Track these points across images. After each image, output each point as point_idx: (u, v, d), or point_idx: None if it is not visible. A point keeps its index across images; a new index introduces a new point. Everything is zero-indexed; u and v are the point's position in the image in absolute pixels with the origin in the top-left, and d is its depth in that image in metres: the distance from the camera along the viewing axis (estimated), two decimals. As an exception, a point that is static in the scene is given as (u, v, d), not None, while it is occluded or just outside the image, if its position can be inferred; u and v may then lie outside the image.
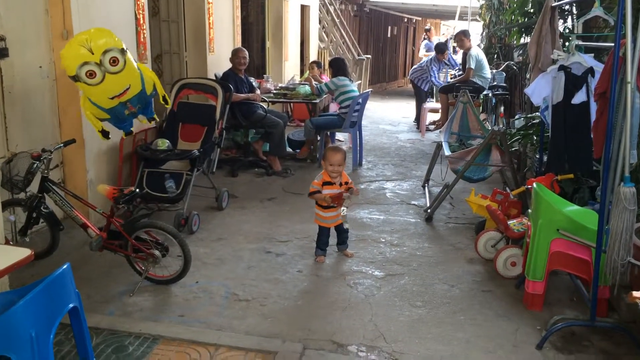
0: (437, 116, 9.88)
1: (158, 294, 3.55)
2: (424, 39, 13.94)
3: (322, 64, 8.79)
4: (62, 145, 3.64)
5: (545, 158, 4.39)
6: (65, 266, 2.36)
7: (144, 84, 3.84)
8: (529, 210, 4.19)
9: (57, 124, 4.37)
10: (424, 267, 4.11)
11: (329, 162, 4.09)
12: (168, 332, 2.97)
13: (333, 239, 4.30)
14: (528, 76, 7.69)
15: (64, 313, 2.35)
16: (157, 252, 3.53)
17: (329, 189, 4.10)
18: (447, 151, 5.41)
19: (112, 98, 3.69)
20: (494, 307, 3.50)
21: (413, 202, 5.70)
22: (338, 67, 7.09)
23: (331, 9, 12.84)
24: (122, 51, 3.60)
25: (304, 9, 11.24)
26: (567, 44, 3.89)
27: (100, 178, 4.58)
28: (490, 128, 6.82)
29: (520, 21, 6.22)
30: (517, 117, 7.67)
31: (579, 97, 3.77)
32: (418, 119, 9.97)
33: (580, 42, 3.85)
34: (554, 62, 4.01)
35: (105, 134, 3.85)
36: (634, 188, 2.80)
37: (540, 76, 3.95)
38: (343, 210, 4.11)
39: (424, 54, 12.61)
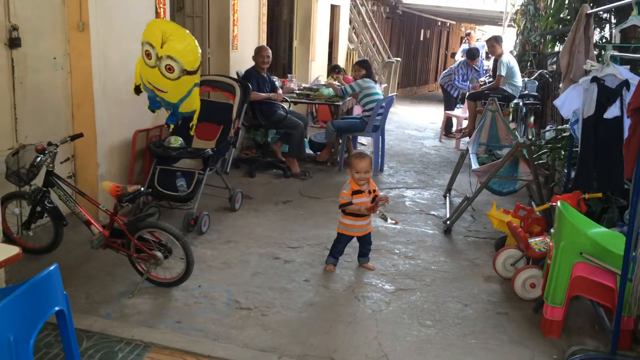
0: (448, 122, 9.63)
1: (158, 297, 3.44)
2: (464, 42, 13.61)
3: (343, 69, 8.60)
4: (68, 139, 3.57)
5: (573, 174, 4.15)
6: (52, 267, 2.25)
7: (181, 103, 3.98)
8: (552, 231, 3.96)
9: (70, 118, 4.31)
10: (438, 283, 3.91)
11: (355, 169, 3.91)
12: (161, 340, 2.85)
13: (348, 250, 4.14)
14: (561, 86, 7.41)
15: (47, 316, 2.25)
16: (159, 254, 3.42)
17: (359, 198, 3.91)
18: (474, 164, 5.19)
19: (151, 83, 3.83)
20: (508, 332, 3.29)
21: (432, 213, 5.49)
22: (367, 67, 6.91)
23: (362, 9, 12.65)
24: (184, 71, 3.73)
25: (334, 8, 11.08)
26: (602, 53, 3.65)
27: (111, 173, 4.51)
28: (520, 138, 6.58)
29: (555, 28, 5.96)
30: (547, 128, 7.39)
31: (612, 112, 3.53)
32: (442, 123, 9.72)
33: (616, 53, 3.61)
34: (586, 73, 3.78)
35: (137, 89, 4.02)
36: (666, 213, 2.57)
37: (571, 87, 3.71)
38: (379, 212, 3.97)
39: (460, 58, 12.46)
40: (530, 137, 7.14)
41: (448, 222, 4.99)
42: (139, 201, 4.56)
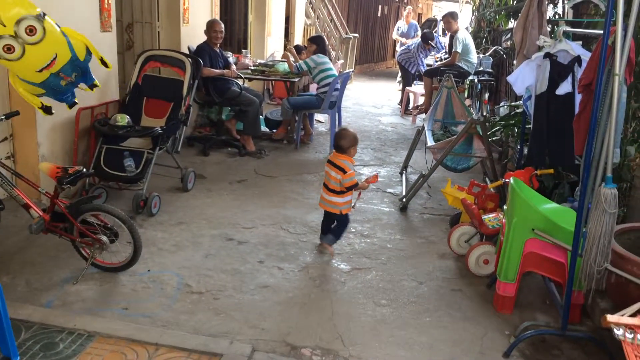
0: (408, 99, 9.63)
1: (104, 283, 3.30)
2: (401, 19, 12.81)
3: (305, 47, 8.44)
4: (3, 117, 3.34)
5: (525, 150, 4.18)
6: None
7: (74, 49, 3.30)
8: (504, 206, 3.98)
9: (7, 94, 4.05)
10: (393, 261, 3.90)
11: (356, 147, 3.83)
12: (106, 329, 2.73)
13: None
14: (515, 62, 7.47)
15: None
16: (104, 238, 3.27)
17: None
18: (430, 140, 5.17)
19: (41, 70, 3.18)
20: (462, 309, 3.30)
21: (389, 190, 5.47)
22: (320, 44, 6.78)
23: (319, -16, 12.43)
24: (39, 17, 3.05)
25: (290, -18, 10.85)
26: (555, 29, 3.64)
27: (54, 153, 4.29)
28: (475, 114, 6.61)
29: (509, 4, 5.95)
30: (501, 104, 7.46)
31: (563, 88, 3.54)
32: (402, 100, 9.71)
33: (569, 29, 3.61)
34: (539, 48, 3.77)
35: (46, 109, 3.40)
36: (615, 189, 2.58)
37: (525, 63, 3.71)
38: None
39: (397, 37, 12.26)
40: (484, 113, 7.21)
41: (404, 200, 4.98)
42: (84, 182, 4.36)
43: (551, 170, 3.69)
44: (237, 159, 6.14)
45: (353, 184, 3.73)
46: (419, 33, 11.25)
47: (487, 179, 5.68)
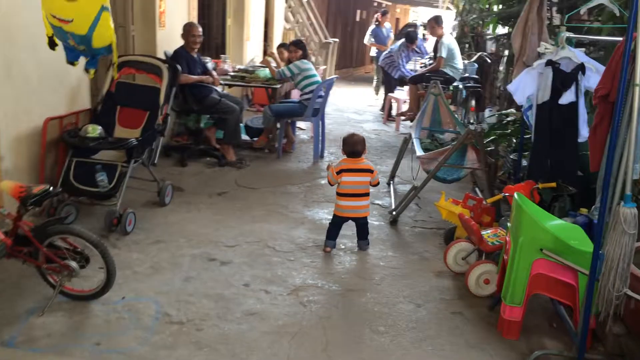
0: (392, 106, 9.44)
1: (74, 314, 2.98)
2: (375, 24, 11.39)
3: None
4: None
5: (524, 163, 3.99)
6: None
7: (92, 33, 3.30)
8: (509, 224, 3.78)
9: (-35, 103, 3.70)
10: (388, 281, 3.66)
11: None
12: (75, 370, 2.42)
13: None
14: (501, 68, 7.34)
15: None
16: (73, 264, 2.96)
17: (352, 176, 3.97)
18: (418, 150, 4.96)
19: (54, 17, 3.20)
20: (464, 334, 3.07)
21: (377, 202, 5.23)
22: (304, 48, 6.53)
23: (298, -13, 12.20)
24: None
25: (269, -14, 10.58)
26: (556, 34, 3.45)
27: (19, 168, 3.94)
28: (462, 121, 6.43)
29: (492, 10, 5.79)
30: (487, 112, 7.32)
31: (567, 97, 3.36)
32: (385, 107, 9.52)
33: (572, 35, 3.42)
34: (540, 56, 3.58)
35: (52, 42, 3.34)
36: (635, 209, 2.39)
37: (525, 71, 3.51)
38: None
39: (370, 43, 11.33)
40: (471, 121, 7.05)
41: (394, 213, 4.75)
42: (60, 191, 4.02)
43: (553, 184, 3.50)
44: (217, 170, 5.85)
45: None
46: (392, 36, 11.03)
47: (477, 189, 5.52)
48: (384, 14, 11.55)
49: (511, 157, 4.94)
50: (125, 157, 4.16)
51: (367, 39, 11.33)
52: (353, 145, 3.91)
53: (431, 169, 4.79)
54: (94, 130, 3.97)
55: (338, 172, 3.92)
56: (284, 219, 4.63)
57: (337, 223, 4.03)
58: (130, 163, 4.11)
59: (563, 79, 3.36)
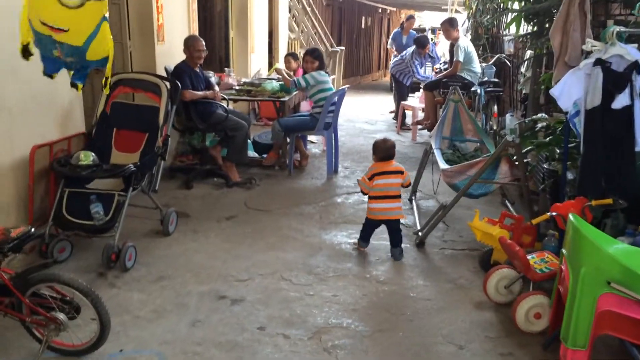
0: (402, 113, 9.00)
1: (63, 374, 2.58)
2: (399, 28, 11.10)
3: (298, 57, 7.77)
4: None
5: (570, 176, 3.55)
6: None
7: (89, 45, 2.98)
8: (554, 244, 3.35)
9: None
10: (421, 316, 3.22)
11: None
12: None
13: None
14: (522, 70, 6.89)
15: None
16: (61, 316, 2.55)
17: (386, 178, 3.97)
18: (441, 162, 4.53)
19: (44, 24, 2.86)
20: (519, 382, 2.63)
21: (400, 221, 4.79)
22: (322, 58, 6.11)
23: (302, -4, 11.85)
24: None
25: (272, -5, 10.24)
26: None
27: (4, 204, 3.54)
28: (483, 128, 5.99)
29: (517, 6, 5.36)
30: (509, 116, 6.87)
31: (620, 101, 2.93)
32: (398, 116, 9.10)
33: (623, 29, 2.99)
34: (585, 54, 3.16)
35: (26, 51, 2.97)
36: None
37: (570, 73, 3.08)
38: None
39: (390, 48, 10.96)
40: (494, 127, 6.61)
41: (420, 234, 4.31)
42: (44, 233, 3.64)
43: (610, 200, 3.05)
44: (225, 191, 5.45)
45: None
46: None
47: (507, 202, 5.08)
48: (408, 19, 10.81)
49: (545, 166, 4.50)
50: (123, 185, 3.76)
51: (390, 42, 10.88)
52: (387, 150, 4.01)
53: (455, 182, 4.36)
54: (87, 158, 3.58)
55: (370, 178, 3.95)
56: (299, 245, 4.21)
57: (370, 226, 4.06)
58: (129, 191, 3.71)
59: (615, 79, 2.93)
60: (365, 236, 4.09)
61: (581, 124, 3.07)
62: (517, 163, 3.76)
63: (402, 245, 4.24)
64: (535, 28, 4.98)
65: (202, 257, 3.91)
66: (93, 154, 3.63)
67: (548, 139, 3.92)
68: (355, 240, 4.26)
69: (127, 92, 4.31)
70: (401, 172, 4.01)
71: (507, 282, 3.30)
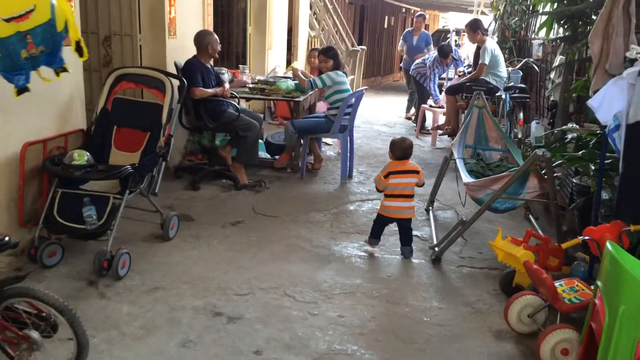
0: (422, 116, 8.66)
1: (35, 398, 2.34)
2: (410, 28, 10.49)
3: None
4: None
5: (605, 195, 3.22)
6: None
7: (54, 13, 2.70)
8: (598, 282, 3.01)
9: None
10: (434, 345, 2.93)
11: None
12: None
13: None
14: (551, 76, 6.53)
15: None
16: (34, 335, 2.31)
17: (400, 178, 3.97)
18: (464, 174, 4.22)
19: (9, 20, 2.52)
20: None
21: (415, 233, 4.49)
22: (335, 58, 5.84)
23: (324, -7, 11.56)
24: None
25: (292, -9, 9.98)
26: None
27: (-5, 201, 3.34)
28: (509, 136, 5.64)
29: (549, 8, 5.01)
30: (534, 123, 6.52)
31: (668, 115, 2.59)
32: (418, 119, 8.78)
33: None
34: (629, 62, 2.83)
35: None
36: None
37: (611, 82, 2.75)
38: None
39: (400, 49, 10.34)
40: (519, 135, 6.27)
41: (437, 249, 4.01)
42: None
43: (651, 226, 2.72)
44: (233, 194, 5.20)
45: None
46: (431, 47, 9.93)
47: (531, 216, 4.75)
48: (418, 17, 10.25)
49: (574, 180, 4.16)
50: (120, 186, 3.53)
51: (400, 43, 10.45)
52: (405, 150, 4.01)
53: (480, 197, 4.05)
54: (81, 157, 3.35)
55: (386, 176, 3.94)
56: (307, 256, 3.94)
57: (381, 222, 4.04)
58: (125, 194, 3.47)
59: (663, 91, 2.60)
60: (376, 233, 4.05)
61: (621, 139, 2.74)
62: (546, 178, 3.43)
63: (417, 261, 3.97)
64: (568, 32, 4.64)
65: (202, 266, 3.66)
66: (88, 153, 3.40)
67: (581, 152, 3.58)
68: (366, 251, 4.00)
69: (131, 87, 4.08)
70: (417, 172, 4.02)
71: (532, 311, 2.99)
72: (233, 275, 3.56)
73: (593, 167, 3.45)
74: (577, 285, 2.90)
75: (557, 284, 2.91)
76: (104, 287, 3.29)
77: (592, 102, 2.80)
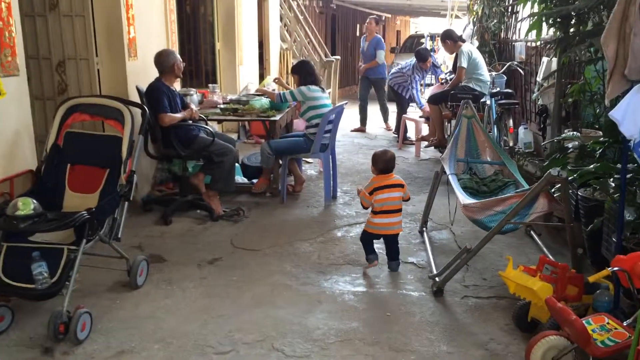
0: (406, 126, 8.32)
1: None
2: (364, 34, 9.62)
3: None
4: None
5: (628, 216, 2.87)
6: None
7: None
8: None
9: None
10: (450, 403, 2.53)
11: None
12: None
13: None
14: (538, 80, 6.23)
15: None
16: None
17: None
18: (461, 194, 3.85)
19: None
20: None
21: (410, 260, 4.12)
22: (307, 72, 5.46)
23: (294, 4, 11.22)
24: None
25: (261, 3, 9.59)
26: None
27: None
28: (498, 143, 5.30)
29: (539, 9, 4.69)
30: (522, 128, 6.22)
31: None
32: (399, 130, 8.43)
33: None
34: (650, 65, 2.48)
35: None
36: None
37: (635, 91, 2.40)
38: None
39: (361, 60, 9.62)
40: (510, 144, 5.95)
41: (437, 279, 3.62)
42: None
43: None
44: (208, 226, 4.76)
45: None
46: (382, 51, 9.08)
47: (532, 233, 4.41)
48: (370, 19, 9.48)
49: (579, 193, 3.82)
50: (75, 236, 3.06)
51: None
52: (387, 162, 3.88)
53: (479, 218, 3.68)
54: (26, 206, 2.88)
55: (371, 192, 3.80)
56: (294, 297, 3.52)
57: (370, 238, 3.90)
58: (82, 244, 3.01)
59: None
60: (369, 249, 3.91)
61: (651, 154, 2.39)
62: (560, 199, 3.06)
63: (417, 294, 3.58)
64: (559, 34, 4.32)
65: (176, 319, 3.21)
66: (34, 200, 2.93)
67: (593, 166, 3.23)
68: (361, 289, 3.59)
69: (86, 119, 3.62)
70: (402, 186, 3.92)
71: (557, 354, 2.60)
72: (212, 328, 3.11)
73: (614, 185, 3.10)
74: (608, 324, 2.53)
75: (584, 321, 2.54)
76: (61, 355, 2.82)
77: (614, 114, 2.44)
